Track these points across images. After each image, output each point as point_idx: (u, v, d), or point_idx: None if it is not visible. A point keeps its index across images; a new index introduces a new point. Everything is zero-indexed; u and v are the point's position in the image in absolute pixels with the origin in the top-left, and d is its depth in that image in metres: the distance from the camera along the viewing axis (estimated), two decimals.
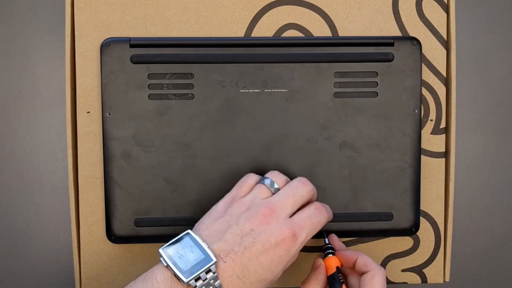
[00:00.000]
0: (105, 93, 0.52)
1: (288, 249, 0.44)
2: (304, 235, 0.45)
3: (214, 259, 0.42)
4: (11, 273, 0.62)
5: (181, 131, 0.52)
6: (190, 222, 0.53)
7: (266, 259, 0.44)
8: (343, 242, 0.56)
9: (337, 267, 0.49)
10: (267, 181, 0.48)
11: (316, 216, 0.47)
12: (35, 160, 0.61)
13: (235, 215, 0.46)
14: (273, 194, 0.47)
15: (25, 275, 0.61)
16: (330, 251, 0.51)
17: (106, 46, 0.52)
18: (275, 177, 0.49)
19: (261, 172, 0.51)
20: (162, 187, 0.53)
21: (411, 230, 0.55)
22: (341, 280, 0.48)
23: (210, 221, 0.46)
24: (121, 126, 0.52)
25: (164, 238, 0.53)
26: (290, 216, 0.46)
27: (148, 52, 0.52)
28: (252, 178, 0.49)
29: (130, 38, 0.52)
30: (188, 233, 0.45)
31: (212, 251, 0.43)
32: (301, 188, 0.48)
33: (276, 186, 0.48)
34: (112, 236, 0.53)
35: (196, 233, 0.45)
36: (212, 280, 0.42)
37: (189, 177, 0.53)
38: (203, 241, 0.44)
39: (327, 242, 0.52)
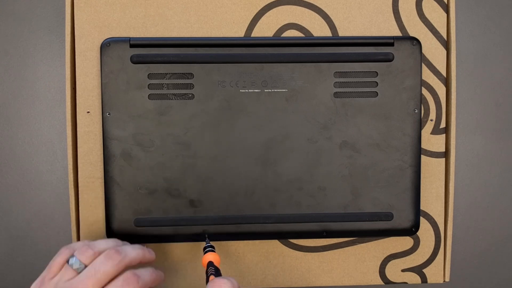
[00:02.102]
0: (105, 93, 0.52)
1: None
2: None
3: None
4: (11, 272, 0.62)
5: (181, 131, 0.52)
6: (189, 222, 0.53)
7: None
8: (344, 242, 0.56)
9: (208, 262, 0.49)
10: (71, 261, 0.46)
11: None
12: (35, 160, 0.61)
13: None
14: (78, 274, 0.46)
15: (25, 275, 0.61)
16: (208, 249, 0.51)
17: (106, 46, 0.52)
18: (82, 254, 0.46)
19: (261, 173, 0.51)
20: (162, 187, 0.53)
21: (411, 230, 0.55)
22: (209, 274, 0.47)
23: None
24: (121, 126, 0.52)
25: (164, 238, 0.53)
26: None
27: (148, 52, 0.52)
28: (61, 256, 0.47)
29: (130, 38, 0.52)
30: None
31: None
32: (105, 264, 0.45)
33: (80, 264, 0.46)
34: (112, 236, 0.53)
35: None
36: None
37: (189, 177, 0.53)
38: None
39: (207, 242, 0.52)
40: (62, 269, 0.46)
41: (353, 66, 0.53)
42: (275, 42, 0.53)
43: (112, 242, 0.48)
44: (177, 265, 0.56)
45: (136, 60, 0.52)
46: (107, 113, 0.52)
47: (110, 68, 0.52)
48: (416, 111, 0.54)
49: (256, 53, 0.52)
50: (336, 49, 0.53)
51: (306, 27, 0.55)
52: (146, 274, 0.47)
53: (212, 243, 0.54)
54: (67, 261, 0.46)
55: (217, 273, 0.47)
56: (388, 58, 0.53)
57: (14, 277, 0.62)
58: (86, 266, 0.46)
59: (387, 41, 0.53)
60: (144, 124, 0.52)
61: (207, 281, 0.47)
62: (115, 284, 0.45)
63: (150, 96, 0.52)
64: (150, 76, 0.52)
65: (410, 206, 0.54)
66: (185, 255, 0.55)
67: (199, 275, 0.56)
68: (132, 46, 0.52)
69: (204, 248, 0.51)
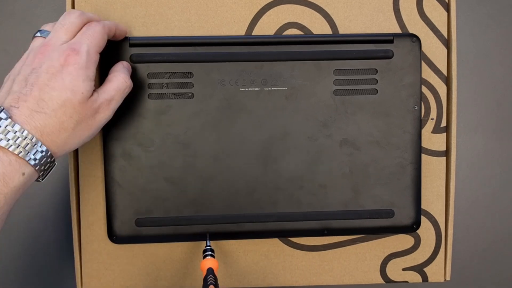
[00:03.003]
0: None
1: (76, 63, 0.43)
2: (86, 47, 0.44)
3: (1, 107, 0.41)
4: (12, 272, 0.62)
5: (181, 130, 0.52)
6: (191, 222, 0.53)
7: (57, 82, 0.43)
8: (344, 241, 0.56)
9: (208, 269, 0.49)
10: (39, 33, 0.47)
11: (89, 29, 0.46)
12: None
13: (17, 70, 0.45)
14: None
15: (25, 275, 0.61)
16: (208, 253, 0.51)
17: (106, 45, 0.52)
18: (46, 26, 0.48)
19: (262, 172, 0.51)
20: (162, 187, 0.53)
21: (412, 227, 0.55)
22: (209, 282, 0.47)
23: (3, 89, 0.45)
24: (121, 126, 0.52)
25: (165, 238, 0.53)
26: None
27: (147, 51, 0.52)
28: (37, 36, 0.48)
29: (129, 37, 0.52)
30: None
31: (1, 105, 0.42)
32: (69, 16, 0.46)
33: (48, 31, 0.47)
34: (113, 236, 0.53)
35: None
36: (9, 126, 0.41)
37: (190, 176, 0.53)
38: None
39: (208, 244, 0.52)
40: (31, 43, 0.46)
41: (353, 64, 0.53)
42: (274, 41, 0.53)
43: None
44: (178, 265, 0.56)
45: (136, 60, 0.52)
46: None
47: (110, 68, 0.52)
48: (416, 108, 0.54)
49: (255, 51, 0.52)
50: (336, 47, 0.53)
51: (307, 26, 0.55)
52: (106, 21, 0.49)
53: (213, 242, 0.54)
54: (35, 35, 0.47)
55: (216, 283, 0.47)
56: (388, 55, 0.53)
57: (14, 277, 0.62)
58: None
59: (387, 38, 0.53)
60: (144, 123, 0.52)
61: (205, 287, 0.47)
62: (82, 29, 0.46)
63: (150, 96, 0.52)
64: (149, 75, 0.52)
65: (411, 203, 0.54)
66: (186, 255, 0.55)
67: (199, 275, 0.56)
68: (131, 45, 0.52)
69: (204, 251, 0.51)
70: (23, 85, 0.43)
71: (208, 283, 0.47)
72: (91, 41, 0.45)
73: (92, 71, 0.45)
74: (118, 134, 0.52)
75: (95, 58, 0.46)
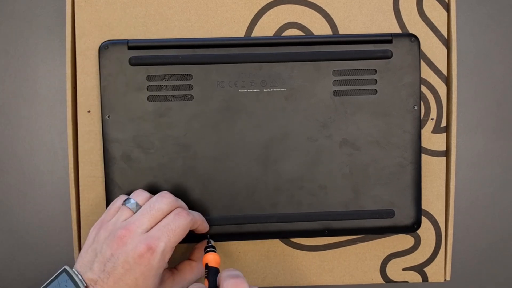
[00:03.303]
0: (104, 96, 0.52)
1: (148, 263, 0.45)
2: (163, 245, 0.46)
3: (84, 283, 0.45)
4: (12, 272, 0.62)
5: (181, 132, 0.52)
6: None
7: (130, 279, 0.45)
8: (344, 241, 0.56)
9: (206, 265, 0.49)
10: (128, 202, 0.49)
11: (175, 222, 0.47)
12: (36, 159, 0.62)
13: (100, 241, 0.47)
14: (135, 213, 0.48)
15: (26, 274, 0.62)
16: (208, 250, 0.51)
17: (104, 48, 0.52)
18: (137, 196, 0.50)
19: (262, 173, 0.51)
20: (163, 189, 0.53)
21: (413, 227, 0.55)
22: (205, 276, 0.48)
23: (84, 251, 0.48)
24: (121, 128, 0.52)
25: None
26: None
27: (146, 54, 0.52)
28: (119, 200, 0.50)
29: (128, 40, 0.52)
30: (64, 269, 0.46)
31: (84, 281, 0.45)
32: (160, 201, 0.48)
33: (137, 205, 0.49)
34: None
35: (72, 267, 0.46)
36: None
37: (190, 178, 0.53)
38: (77, 274, 0.45)
39: (208, 242, 0.52)
40: (119, 211, 0.49)
41: (352, 64, 0.53)
42: (273, 42, 0.53)
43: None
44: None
45: (135, 62, 0.52)
46: (107, 116, 0.52)
47: (109, 71, 0.52)
48: (416, 108, 0.54)
49: (254, 53, 0.52)
50: (334, 47, 0.53)
51: (307, 26, 0.55)
52: (196, 214, 0.51)
53: (213, 243, 0.54)
54: (124, 203, 0.49)
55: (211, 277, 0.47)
56: (387, 55, 0.53)
57: (14, 277, 0.62)
58: (141, 207, 0.48)
59: (385, 38, 0.53)
60: (144, 126, 0.52)
61: (209, 281, 0.47)
62: (167, 218, 0.48)
63: (149, 98, 0.52)
64: (149, 78, 0.52)
65: (411, 203, 0.54)
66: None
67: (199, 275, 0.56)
68: (130, 48, 0.52)
69: (205, 248, 0.51)
70: (102, 268, 0.45)
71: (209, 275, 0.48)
72: (171, 238, 0.47)
73: (163, 267, 0.47)
74: (118, 137, 0.52)
75: (170, 254, 0.47)
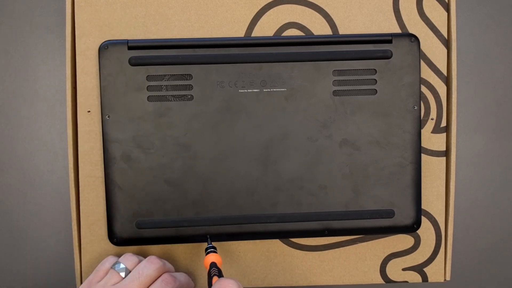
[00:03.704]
0: (104, 96, 0.52)
1: None
2: None
3: None
4: (11, 272, 0.62)
5: (181, 132, 0.52)
6: (191, 223, 0.53)
7: None
8: (344, 241, 0.56)
9: (211, 263, 0.49)
10: (117, 266, 0.50)
11: None
12: (36, 159, 0.62)
13: None
14: (123, 278, 0.49)
15: (26, 274, 0.62)
16: (210, 250, 0.51)
17: (104, 48, 0.52)
18: (126, 261, 0.50)
19: (262, 173, 0.51)
20: (163, 189, 0.53)
21: (413, 227, 0.55)
22: (212, 275, 0.48)
23: None
24: (120, 129, 0.52)
25: (166, 240, 0.53)
26: None
27: (146, 54, 0.52)
28: (108, 262, 0.51)
29: (128, 40, 0.52)
30: None
31: None
32: (148, 267, 0.49)
33: (126, 270, 0.49)
34: (114, 238, 0.53)
35: None
36: None
37: (190, 178, 0.53)
38: None
39: (209, 243, 0.52)
40: (108, 274, 0.49)
41: (352, 64, 0.53)
42: (273, 42, 0.53)
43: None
44: (179, 266, 0.56)
45: (135, 62, 0.52)
46: (107, 116, 0.52)
47: (109, 71, 0.52)
48: (416, 108, 0.54)
49: (254, 53, 0.52)
50: (334, 47, 0.53)
51: (306, 26, 0.55)
52: (182, 277, 0.52)
53: (213, 243, 0.54)
54: (113, 267, 0.50)
55: (220, 275, 0.47)
56: (387, 55, 0.53)
57: (14, 277, 0.62)
58: (130, 271, 0.49)
59: (385, 38, 0.53)
60: (144, 126, 0.52)
61: (209, 281, 0.47)
62: (155, 285, 0.49)
63: (149, 98, 0.52)
64: (148, 78, 0.52)
65: (411, 203, 0.54)
66: (187, 256, 0.55)
67: (201, 275, 0.56)
68: (130, 48, 0.52)
69: (206, 249, 0.51)
70: None
71: (212, 275, 0.47)
72: None
73: None
74: (118, 137, 0.52)
75: None
